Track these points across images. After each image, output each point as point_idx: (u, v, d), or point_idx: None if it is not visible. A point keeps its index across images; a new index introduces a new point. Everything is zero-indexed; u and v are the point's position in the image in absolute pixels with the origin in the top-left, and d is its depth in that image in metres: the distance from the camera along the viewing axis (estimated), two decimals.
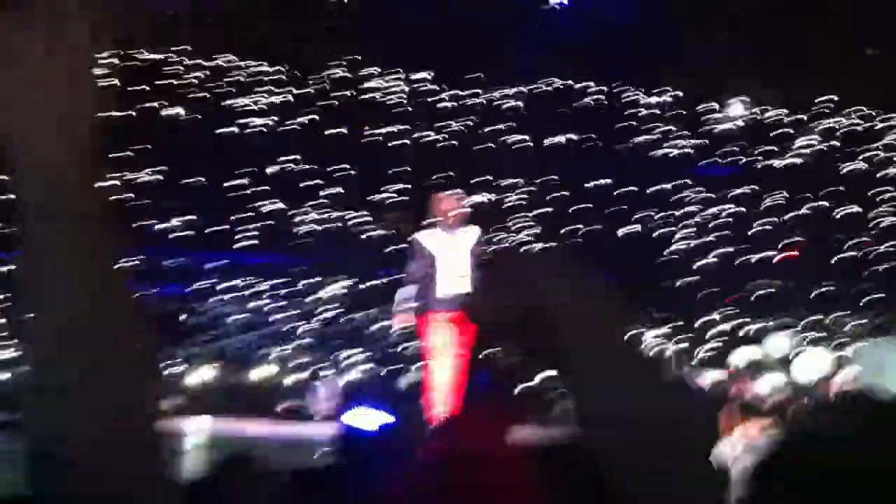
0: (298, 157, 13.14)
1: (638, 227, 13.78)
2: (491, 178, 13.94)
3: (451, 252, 6.05)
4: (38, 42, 0.94)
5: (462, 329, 5.67)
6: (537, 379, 7.82)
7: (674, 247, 13.70)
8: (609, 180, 14.19)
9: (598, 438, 0.93)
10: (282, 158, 13.05)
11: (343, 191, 13.00)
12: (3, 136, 0.93)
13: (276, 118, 13.58)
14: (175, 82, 13.02)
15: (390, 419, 3.40)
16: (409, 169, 13.63)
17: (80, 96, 0.95)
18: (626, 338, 0.99)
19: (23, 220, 0.92)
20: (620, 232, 13.66)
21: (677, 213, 14.08)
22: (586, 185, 14.13)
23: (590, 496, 1.18)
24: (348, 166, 13.27)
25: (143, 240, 11.32)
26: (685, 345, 12.04)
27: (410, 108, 14.54)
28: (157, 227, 11.66)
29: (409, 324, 6.09)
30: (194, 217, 11.88)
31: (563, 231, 13.53)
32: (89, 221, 0.92)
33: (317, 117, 13.80)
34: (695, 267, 13.33)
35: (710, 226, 13.96)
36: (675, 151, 15.10)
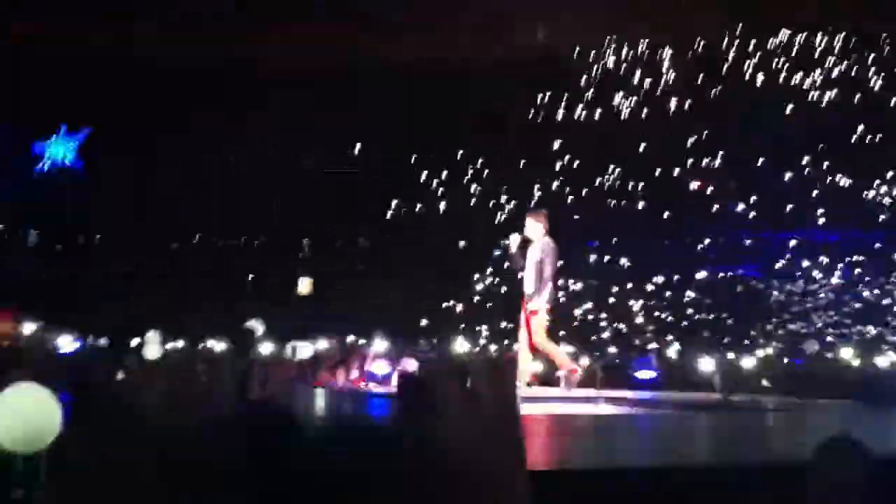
0: (865, 127, 12.51)
1: None
2: None
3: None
4: None
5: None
6: None
7: None
8: None
9: None
10: (846, 132, 12.51)
11: None
12: None
13: (836, 90, 13.08)
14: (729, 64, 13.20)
15: None
16: None
17: None
18: None
19: None
20: None
21: None
22: None
23: None
24: None
25: (717, 222, 11.69)
26: None
27: None
28: (728, 210, 11.95)
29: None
30: (758, 198, 11.95)
31: None
32: None
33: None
34: None
35: None
36: None
